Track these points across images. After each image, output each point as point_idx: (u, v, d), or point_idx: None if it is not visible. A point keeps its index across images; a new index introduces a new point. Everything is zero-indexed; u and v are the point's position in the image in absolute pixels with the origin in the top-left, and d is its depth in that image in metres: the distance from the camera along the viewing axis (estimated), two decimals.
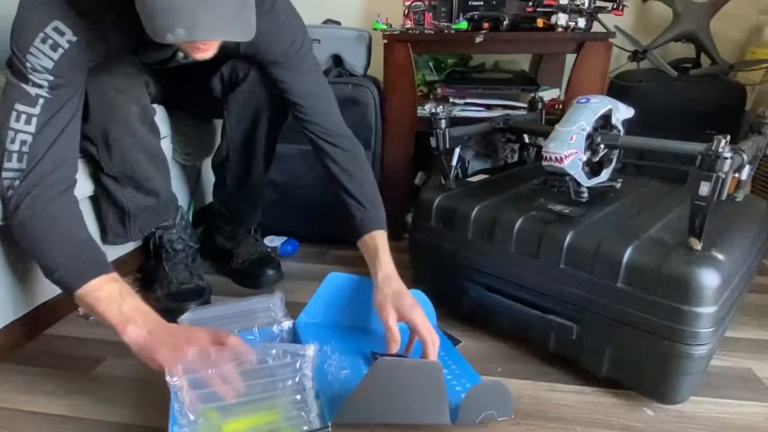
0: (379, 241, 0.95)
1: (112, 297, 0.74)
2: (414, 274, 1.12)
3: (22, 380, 0.88)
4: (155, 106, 1.05)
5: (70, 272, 0.74)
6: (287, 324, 0.89)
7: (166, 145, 1.13)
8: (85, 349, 0.97)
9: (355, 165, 1.00)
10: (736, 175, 0.86)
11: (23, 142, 0.76)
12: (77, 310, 1.08)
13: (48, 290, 0.99)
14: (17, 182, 0.76)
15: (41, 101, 0.76)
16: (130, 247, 1.18)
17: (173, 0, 0.64)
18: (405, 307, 0.84)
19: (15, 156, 0.76)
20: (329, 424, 0.71)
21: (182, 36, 0.65)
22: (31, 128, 0.76)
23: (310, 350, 0.72)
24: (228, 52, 0.90)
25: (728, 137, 0.72)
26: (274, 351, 0.72)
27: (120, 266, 1.16)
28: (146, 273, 1.19)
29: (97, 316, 0.74)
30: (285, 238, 1.42)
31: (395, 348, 0.83)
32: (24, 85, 0.75)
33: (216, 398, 0.70)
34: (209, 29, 0.66)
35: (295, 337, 0.89)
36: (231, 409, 0.70)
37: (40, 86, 0.75)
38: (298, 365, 0.71)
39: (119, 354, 0.94)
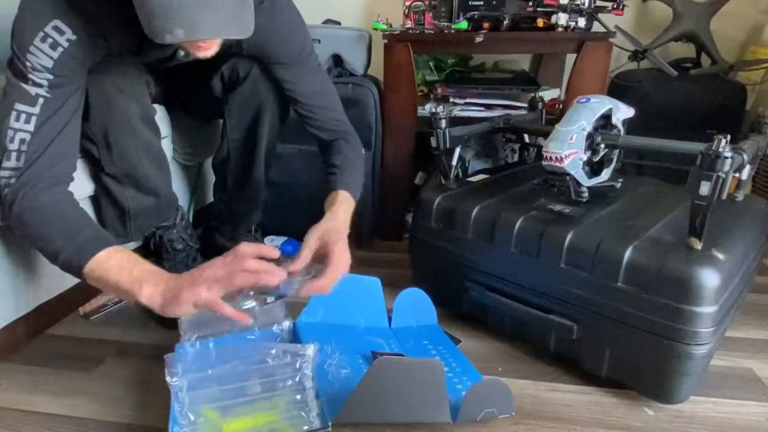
0: (340, 196, 0.93)
1: (120, 265, 0.73)
2: (414, 274, 1.12)
3: (23, 380, 0.89)
4: (156, 105, 1.04)
5: (74, 252, 0.74)
6: (287, 324, 0.89)
7: (167, 145, 1.13)
8: (86, 349, 0.97)
9: (353, 154, 1.02)
10: (737, 174, 0.87)
11: (22, 141, 0.76)
12: (78, 310, 1.08)
13: (49, 290, 0.99)
14: (13, 180, 0.77)
15: (41, 101, 0.76)
16: (130, 247, 1.17)
17: (171, 0, 0.64)
18: (330, 235, 0.82)
19: (14, 155, 0.76)
20: (329, 423, 0.71)
21: (181, 36, 0.65)
22: (30, 127, 0.76)
23: (310, 350, 0.72)
24: (230, 50, 0.90)
25: (728, 137, 0.72)
26: (274, 351, 0.72)
27: None
28: None
29: (110, 287, 0.73)
30: (285, 238, 1.42)
31: (301, 263, 0.79)
32: (24, 85, 0.75)
33: (216, 398, 0.70)
34: (208, 28, 0.67)
35: (295, 336, 0.89)
36: (231, 409, 0.70)
37: (40, 85, 0.76)
38: (298, 365, 0.71)
39: (120, 354, 0.95)
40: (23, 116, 0.76)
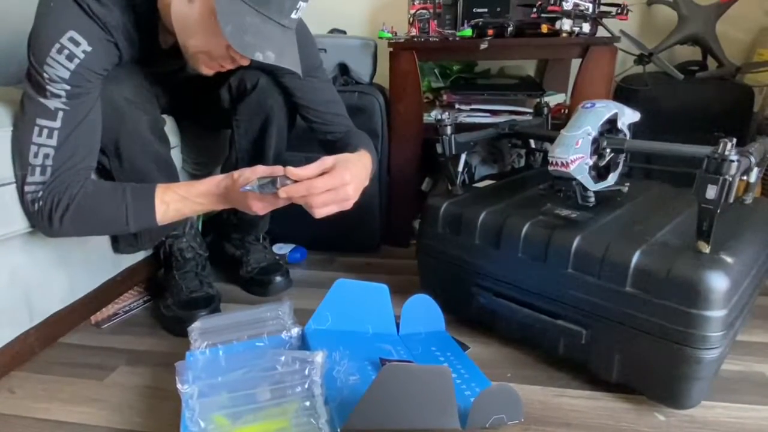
0: (363, 152, 0.94)
1: (178, 208, 0.85)
2: (422, 280, 1.12)
3: (36, 388, 0.90)
4: (165, 116, 1.06)
5: (139, 219, 0.83)
6: (296, 331, 0.89)
7: (176, 155, 1.14)
8: (99, 357, 0.98)
9: (366, 140, 1.05)
10: (744, 177, 0.86)
11: (46, 156, 0.79)
12: (90, 319, 1.10)
13: (62, 299, 1.01)
14: (40, 193, 0.80)
15: (61, 114, 0.78)
16: (140, 256, 1.19)
17: (265, 28, 0.74)
18: (344, 163, 0.82)
19: (38, 170, 0.79)
20: (339, 430, 0.71)
21: (272, 59, 0.75)
22: (53, 142, 0.79)
23: (319, 357, 0.72)
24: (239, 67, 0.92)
25: (734, 140, 0.72)
26: (283, 358, 0.72)
27: (131, 275, 1.17)
28: (157, 281, 1.21)
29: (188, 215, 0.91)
30: (293, 245, 1.43)
31: (302, 171, 0.79)
32: (42, 100, 0.77)
33: (227, 405, 0.71)
34: (289, 60, 0.79)
35: (303, 343, 0.89)
36: (241, 416, 0.71)
37: (58, 96, 0.77)
38: (307, 372, 0.72)
39: (132, 362, 0.96)
40: (45, 131, 0.78)
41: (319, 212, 0.81)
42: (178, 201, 0.85)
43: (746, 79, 1.56)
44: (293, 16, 0.78)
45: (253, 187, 0.80)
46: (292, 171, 0.79)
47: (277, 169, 0.81)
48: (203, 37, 0.79)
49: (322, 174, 0.80)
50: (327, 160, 0.81)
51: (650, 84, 1.47)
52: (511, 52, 1.37)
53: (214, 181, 0.85)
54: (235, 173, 0.83)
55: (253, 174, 0.82)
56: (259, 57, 0.74)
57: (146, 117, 0.94)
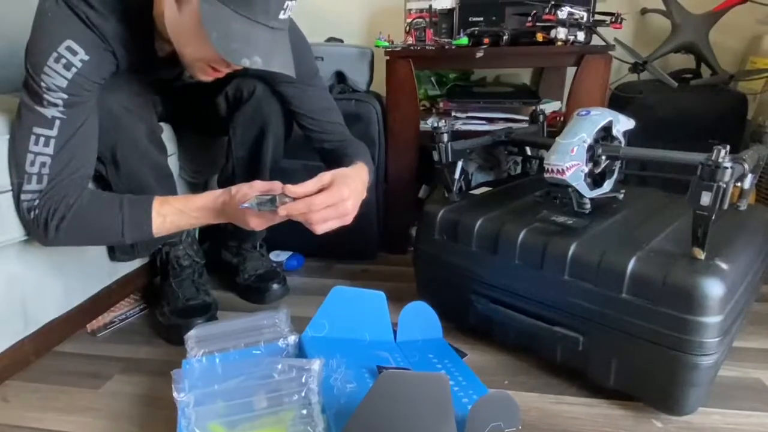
0: (360, 164, 0.94)
1: (174, 221, 0.85)
2: (419, 287, 1.12)
3: (31, 397, 0.89)
4: (162, 124, 1.06)
5: (135, 231, 0.83)
6: (293, 338, 0.89)
7: (173, 163, 1.14)
8: (94, 366, 0.98)
9: (363, 149, 1.05)
10: (738, 184, 0.87)
11: (43, 164, 0.79)
12: (86, 327, 1.09)
13: (57, 307, 1.00)
14: (37, 201, 0.79)
15: (58, 122, 0.78)
16: (137, 264, 1.18)
17: (252, 32, 0.73)
18: (342, 179, 0.82)
19: (34, 178, 0.79)
20: None
21: (259, 64, 0.74)
22: (50, 150, 0.79)
23: (316, 364, 0.72)
24: (235, 71, 0.92)
25: (728, 147, 0.72)
26: (280, 366, 0.72)
27: (127, 283, 1.17)
28: (153, 289, 1.20)
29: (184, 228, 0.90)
30: (290, 252, 1.42)
31: (301, 188, 0.79)
32: (39, 108, 0.78)
33: (223, 413, 0.70)
34: (279, 63, 0.77)
35: (300, 351, 0.89)
36: (238, 424, 0.70)
37: (55, 105, 0.78)
38: (303, 380, 0.72)
39: (127, 371, 0.96)
40: (42, 139, 0.78)
41: (320, 228, 0.81)
42: (175, 214, 0.85)
43: (739, 86, 1.58)
44: (281, 16, 0.76)
45: (251, 205, 0.80)
46: (291, 189, 0.79)
47: (276, 186, 0.81)
48: (195, 45, 0.79)
49: (320, 190, 0.80)
50: (325, 177, 0.82)
51: (645, 92, 1.48)
52: (506, 60, 1.39)
53: (212, 196, 0.85)
54: (233, 189, 0.83)
55: (251, 190, 0.81)
56: (246, 63, 0.73)
57: (143, 125, 0.94)
